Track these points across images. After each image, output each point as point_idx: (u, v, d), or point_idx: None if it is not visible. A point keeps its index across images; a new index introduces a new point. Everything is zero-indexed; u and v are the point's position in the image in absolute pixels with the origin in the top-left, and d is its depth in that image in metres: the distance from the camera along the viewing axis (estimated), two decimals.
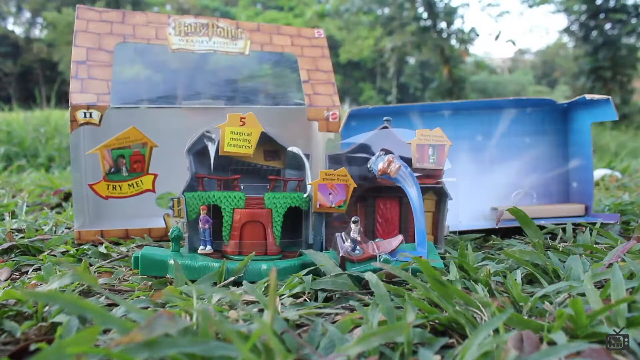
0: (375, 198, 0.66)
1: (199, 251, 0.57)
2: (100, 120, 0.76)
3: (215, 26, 0.89)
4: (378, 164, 0.61)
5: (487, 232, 0.75)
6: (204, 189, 0.60)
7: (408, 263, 0.50)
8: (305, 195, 0.61)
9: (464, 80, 8.61)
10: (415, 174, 0.61)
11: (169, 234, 0.56)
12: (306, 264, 0.54)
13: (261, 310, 0.41)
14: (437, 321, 0.36)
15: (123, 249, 0.69)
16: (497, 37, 9.53)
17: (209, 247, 0.57)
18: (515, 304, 0.40)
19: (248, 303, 0.43)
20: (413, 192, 0.59)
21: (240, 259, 0.54)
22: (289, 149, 0.64)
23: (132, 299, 0.45)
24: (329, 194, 0.60)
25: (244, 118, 0.59)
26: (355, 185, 0.61)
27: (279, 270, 0.52)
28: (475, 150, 0.94)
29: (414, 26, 8.46)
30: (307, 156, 0.64)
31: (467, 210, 0.86)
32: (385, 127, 0.69)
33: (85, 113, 0.75)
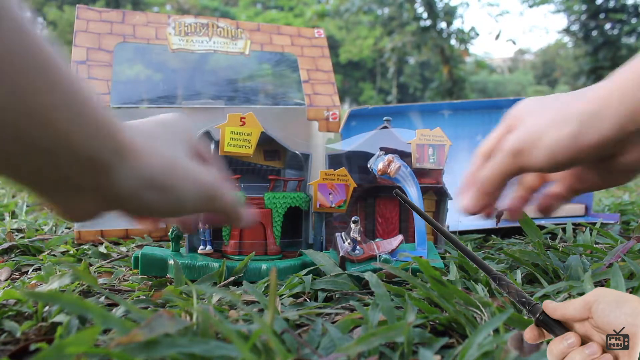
0: (375, 198, 0.66)
1: (199, 251, 0.57)
2: None
3: (215, 26, 0.89)
4: (378, 163, 0.61)
5: (487, 232, 0.76)
6: None
7: (408, 263, 0.50)
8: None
9: (464, 80, 8.61)
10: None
11: (169, 233, 0.56)
12: (306, 263, 0.54)
13: (261, 310, 0.41)
14: (437, 321, 0.36)
15: (123, 249, 0.69)
16: (497, 37, 9.53)
17: (209, 247, 0.57)
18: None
19: (248, 303, 0.43)
20: (413, 192, 0.59)
21: (241, 259, 0.54)
22: (299, 152, 0.63)
23: (132, 299, 0.45)
24: (329, 194, 0.60)
25: (244, 118, 0.59)
26: (355, 185, 0.61)
27: (279, 270, 0.52)
28: (475, 150, 0.94)
29: (414, 26, 8.46)
30: (308, 156, 0.64)
31: None
32: (385, 127, 0.69)
33: None
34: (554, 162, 0.39)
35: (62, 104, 0.29)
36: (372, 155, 0.64)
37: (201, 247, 0.57)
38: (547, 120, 0.40)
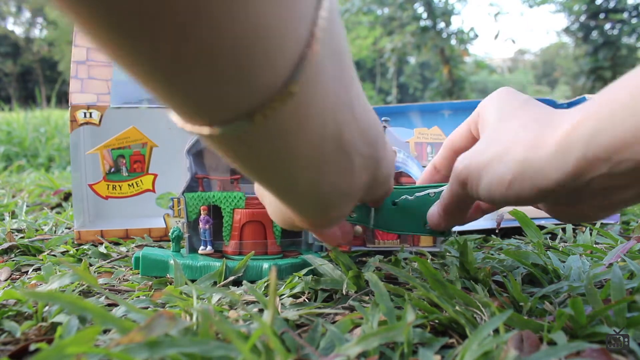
0: None
1: (199, 251, 0.57)
2: (100, 120, 0.76)
3: None
4: None
5: (487, 232, 0.75)
6: (204, 190, 0.60)
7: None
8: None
9: (464, 80, 8.61)
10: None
11: (170, 234, 0.56)
12: (307, 263, 0.54)
13: (261, 310, 0.41)
14: (437, 321, 0.36)
15: (123, 249, 0.69)
16: (496, 36, 9.54)
17: (209, 248, 0.57)
18: (515, 304, 0.40)
19: (248, 303, 0.43)
20: (415, 170, 0.58)
21: (241, 259, 0.54)
22: None
23: (132, 299, 0.45)
24: None
25: None
26: None
27: (280, 270, 0.52)
28: None
29: (414, 26, 8.45)
30: None
31: None
32: (384, 127, 0.69)
33: (85, 113, 0.75)
34: (492, 202, 0.35)
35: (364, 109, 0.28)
36: None
37: (201, 247, 0.57)
38: (494, 151, 0.33)
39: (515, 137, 0.33)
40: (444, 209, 0.42)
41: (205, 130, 0.21)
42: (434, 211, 0.44)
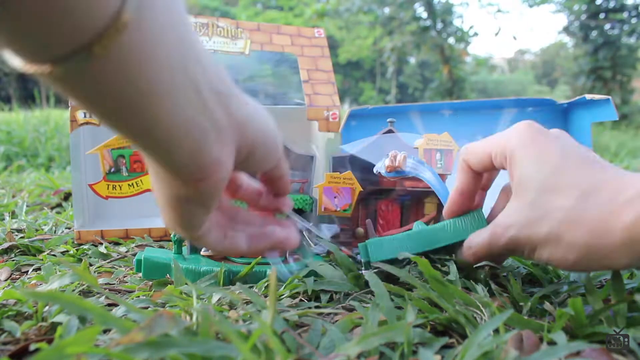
0: (377, 200, 0.66)
1: (201, 253, 0.56)
2: None
3: (215, 26, 0.89)
4: (385, 164, 0.60)
5: None
6: None
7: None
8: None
9: (464, 80, 8.61)
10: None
11: (172, 236, 0.56)
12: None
13: (261, 310, 0.41)
14: (437, 321, 0.36)
15: (123, 249, 0.69)
16: (497, 34, 9.54)
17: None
18: (515, 304, 0.40)
19: (248, 303, 0.43)
20: (429, 176, 0.56)
21: (243, 262, 0.54)
22: (304, 153, 0.63)
23: (132, 299, 0.45)
24: (334, 197, 0.60)
25: None
26: (362, 189, 0.60)
27: (284, 272, 0.52)
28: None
29: (413, 26, 8.46)
30: (312, 158, 0.63)
31: None
32: (390, 130, 0.68)
33: (85, 113, 0.75)
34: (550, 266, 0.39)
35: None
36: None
37: (203, 249, 0.57)
38: (549, 229, 0.34)
39: (569, 216, 0.33)
40: (477, 257, 0.43)
41: (47, 68, 0.21)
42: (465, 253, 0.44)
